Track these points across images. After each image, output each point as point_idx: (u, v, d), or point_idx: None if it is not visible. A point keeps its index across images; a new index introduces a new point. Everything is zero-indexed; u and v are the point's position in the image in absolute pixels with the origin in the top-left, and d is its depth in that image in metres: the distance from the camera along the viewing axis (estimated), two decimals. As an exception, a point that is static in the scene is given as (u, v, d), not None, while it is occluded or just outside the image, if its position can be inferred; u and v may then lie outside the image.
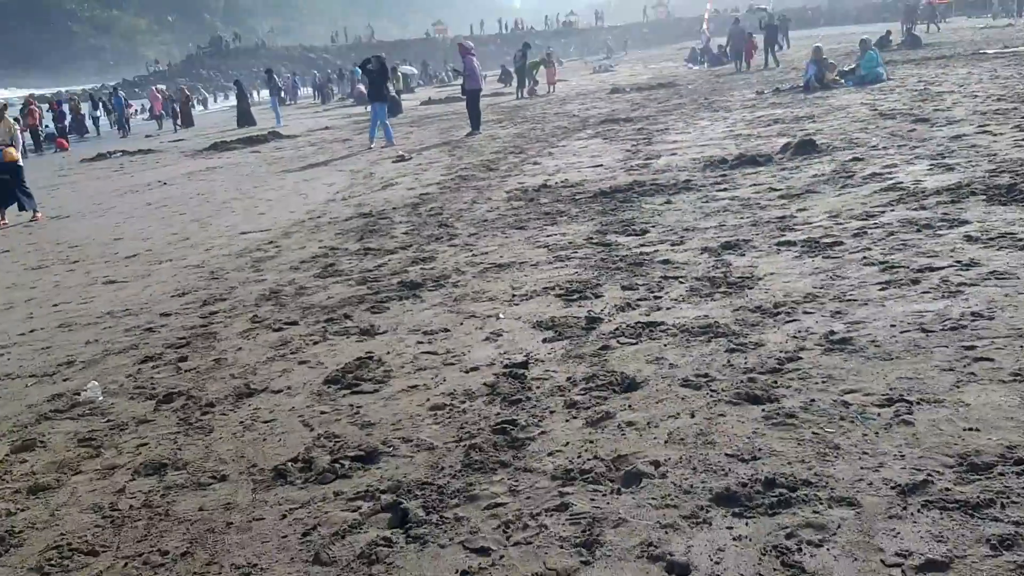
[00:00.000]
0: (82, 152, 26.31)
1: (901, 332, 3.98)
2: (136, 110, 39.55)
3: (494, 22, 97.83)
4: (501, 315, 5.15)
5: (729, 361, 3.92)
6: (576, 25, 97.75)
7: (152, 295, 6.98)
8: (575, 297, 5.29)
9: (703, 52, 38.14)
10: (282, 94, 49.78)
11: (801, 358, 3.84)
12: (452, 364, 4.42)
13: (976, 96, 12.71)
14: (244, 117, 30.38)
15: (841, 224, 6.23)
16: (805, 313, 4.44)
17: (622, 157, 11.58)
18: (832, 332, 4.09)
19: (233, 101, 35.74)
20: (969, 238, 5.36)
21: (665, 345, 4.26)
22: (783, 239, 6.03)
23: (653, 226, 7.09)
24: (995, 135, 9.05)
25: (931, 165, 7.91)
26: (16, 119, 30.35)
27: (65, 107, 35.14)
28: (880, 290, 4.65)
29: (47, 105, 34.67)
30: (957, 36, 34.40)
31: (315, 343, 5.13)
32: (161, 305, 6.58)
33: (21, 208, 12.39)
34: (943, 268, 4.85)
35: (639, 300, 5.08)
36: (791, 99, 16.63)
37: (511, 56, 37.59)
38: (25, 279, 8.34)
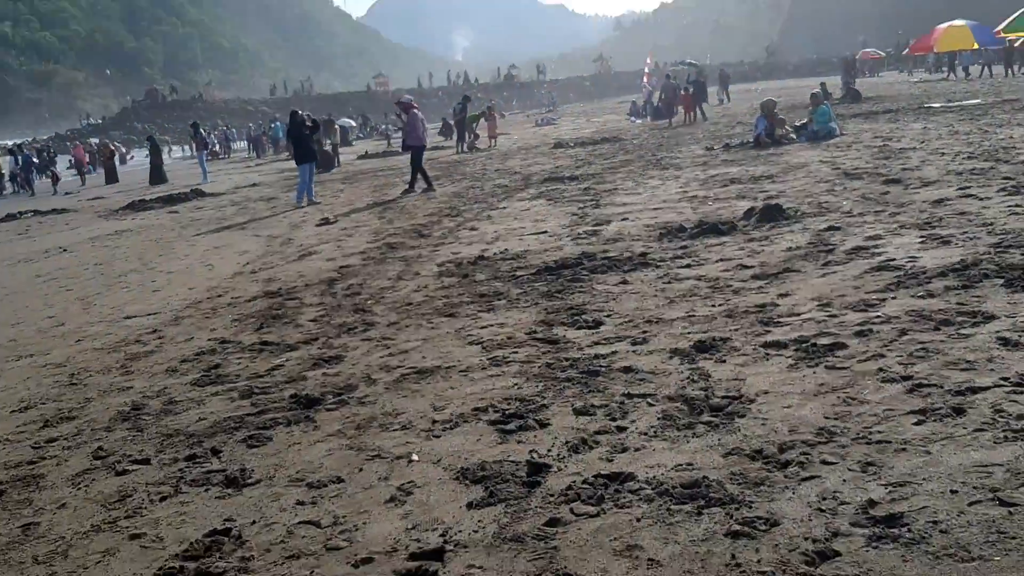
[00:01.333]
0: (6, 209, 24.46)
1: (970, 504, 2.81)
2: (41, 172, 37.22)
3: (441, 75, 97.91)
4: (415, 456, 3.86)
5: (734, 557, 2.69)
6: (518, 78, 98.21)
7: (-17, 410, 5.53)
8: (513, 427, 4.03)
9: (645, 105, 37.92)
10: (216, 147, 48.41)
11: (839, 554, 2.63)
12: (338, 549, 3.11)
13: (943, 153, 11.97)
14: (156, 174, 28.83)
15: (836, 317, 5.12)
16: (824, 463, 3.25)
17: (568, 222, 10.47)
18: (872, 503, 2.90)
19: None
20: (1004, 341, 4.27)
21: (638, 521, 3.02)
22: (769, 338, 4.88)
23: (608, 315, 5.90)
24: (982, 200, 8.16)
25: (922, 237, 6.92)
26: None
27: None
28: (916, 423, 3.50)
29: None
30: (894, 90, 34.65)
31: (162, 498, 3.76)
32: (-12, 427, 5.14)
33: None
34: (988, 388, 3.73)
35: (597, 433, 3.84)
36: (743, 156, 15.84)
37: (451, 109, 36.85)
38: None
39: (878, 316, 4.99)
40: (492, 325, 6.04)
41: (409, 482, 3.60)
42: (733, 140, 19.12)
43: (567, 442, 3.78)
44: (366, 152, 32.86)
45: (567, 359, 5.00)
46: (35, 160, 34.48)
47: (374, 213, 14.10)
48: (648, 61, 61.12)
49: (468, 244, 9.83)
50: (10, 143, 49.09)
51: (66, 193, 30.36)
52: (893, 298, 5.35)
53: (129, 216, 18.83)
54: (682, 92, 31.76)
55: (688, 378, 4.39)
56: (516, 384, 4.67)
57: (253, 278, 9.36)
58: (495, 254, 8.90)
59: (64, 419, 5.09)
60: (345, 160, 30.42)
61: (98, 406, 5.28)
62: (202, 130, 31.78)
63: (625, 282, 6.85)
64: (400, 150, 22.86)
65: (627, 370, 4.66)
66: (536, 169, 18.39)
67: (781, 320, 5.20)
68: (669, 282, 6.67)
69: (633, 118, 38.40)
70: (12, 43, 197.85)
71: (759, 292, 5.97)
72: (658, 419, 3.91)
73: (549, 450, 3.73)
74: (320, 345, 6.11)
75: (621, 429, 3.86)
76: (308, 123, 17.72)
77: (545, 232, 9.95)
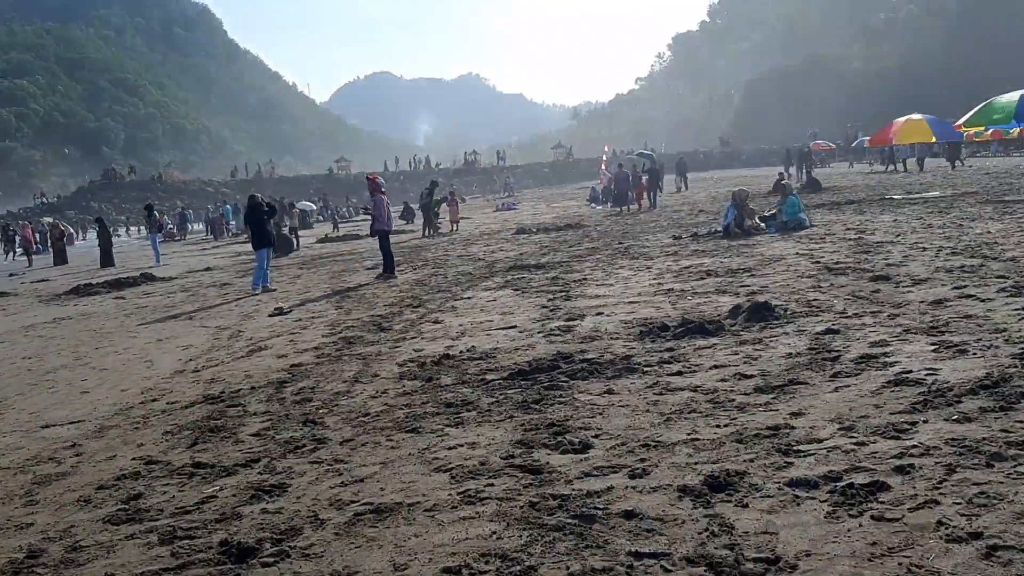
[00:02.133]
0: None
1: None
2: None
3: (400, 159, 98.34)
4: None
5: None
6: (479, 163, 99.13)
7: None
8: (495, 600, 3.22)
9: (604, 192, 37.95)
10: (171, 228, 47.42)
11: None
12: None
13: (923, 248, 11.60)
14: (105, 257, 27.92)
15: (865, 445, 4.42)
16: (910, 672, 2.49)
17: (538, 316, 9.77)
18: None
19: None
20: (1077, 482, 3.59)
21: None
22: (793, 473, 4.14)
23: (596, 435, 5.13)
24: (983, 301, 7.65)
25: (934, 344, 6.32)
26: None
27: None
28: (1009, 607, 2.77)
29: None
30: (848, 180, 35.15)
31: None
32: None
33: None
34: (1082, 552, 3.02)
35: (603, 612, 3.04)
36: (714, 246, 15.41)
37: (414, 192, 36.56)
38: None
39: (914, 446, 4.30)
40: (462, 445, 5.23)
41: None
42: (700, 229, 18.80)
43: (566, 626, 2.97)
44: (326, 235, 32.18)
45: (554, 496, 4.20)
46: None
47: (331, 302, 13.28)
48: (606, 149, 62.07)
49: (432, 340, 9.06)
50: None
51: (10, 275, 29.09)
52: (924, 421, 4.67)
53: (72, 301, 17.77)
54: (641, 178, 32.47)
55: (707, 530, 3.61)
56: (494, 532, 3.85)
57: (194, 378, 8.45)
58: (461, 352, 8.13)
59: (-63, 573, 4.13)
60: (305, 243, 29.69)
61: (-16, 552, 4.33)
62: (155, 212, 30.84)
63: (611, 391, 6.11)
64: (367, 233, 22.26)
65: (629, 515, 3.87)
66: (500, 256, 17.81)
67: (801, 449, 4.47)
68: (661, 393, 5.94)
69: (593, 204, 38.46)
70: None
71: (767, 409, 5.26)
72: (678, 592, 3.12)
73: (543, 638, 2.92)
74: (261, 468, 5.23)
75: (633, 606, 3.07)
76: (265, 207, 17.05)
77: (514, 327, 9.23)
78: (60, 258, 33.16)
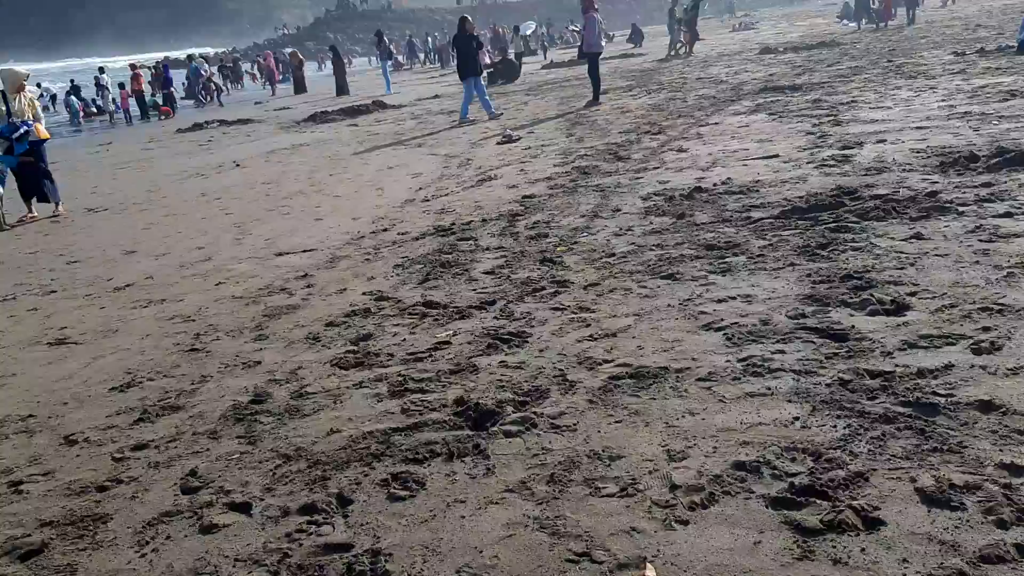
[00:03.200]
0: (189, 118, 24.81)
1: None
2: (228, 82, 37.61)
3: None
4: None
5: None
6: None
7: (79, 382, 4.44)
8: (816, 522, 2.36)
9: (857, 6, 33.05)
10: (400, 58, 48.05)
11: None
12: None
13: None
14: (340, 85, 28.45)
15: None
16: None
17: (804, 143, 8.37)
18: None
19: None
20: None
21: None
22: None
23: (912, 292, 4.00)
24: None
25: None
26: (121, 84, 29.55)
27: (171, 72, 33.77)
28: None
29: (153, 70, 33.37)
30: None
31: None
32: (73, 412, 4.04)
33: (41, 199, 10.25)
34: None
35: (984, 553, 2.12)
36: (1009, 63, 12.77)
37: (643, 14, 33.98)
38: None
39: None
40: (734, 298, 4.30)
41: (644, 632, 2.04)
42: (987, 44, 15.79)
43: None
44: (551, 61, 30.95)
45: (870, 373, 3.21)
46: (203, 72, 34.80)
47: (561, 129, 12.41)
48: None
49: (678, 170, 8.01)
50: (196, 51, 50.65)
51: (255, 103, 30.64)
52: None
53: (309, 128, 18.18)
54: None
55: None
56: (797, 418, 2.96)
57: (425, 207, 8.02)
58: (716, 185, 7.04)
59: (166, 410, 3.88)
60: (529, 70, 28.74)
61: (213, 391, 4.05)
62: (384, 39, 30.89)
63: (919, 236, 4.87)
64: (578, 57, 20.83)
65: (987, 407, 2.84)
66: (746, 78, 15.95)
67: None
68: (990, 240, 4.63)
69: (845, 21, 33.91)
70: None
71: None
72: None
73: (901, 593, 2.04)
74: (498, 313, 4.62)
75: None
76: (475, 40, 16.15)
77: (776, 156, 7.94)
78: (300, 87, 34.45)
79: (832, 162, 7.27)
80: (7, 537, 2.88)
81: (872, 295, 3.98)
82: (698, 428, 3.00)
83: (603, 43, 15.58)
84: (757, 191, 6.60)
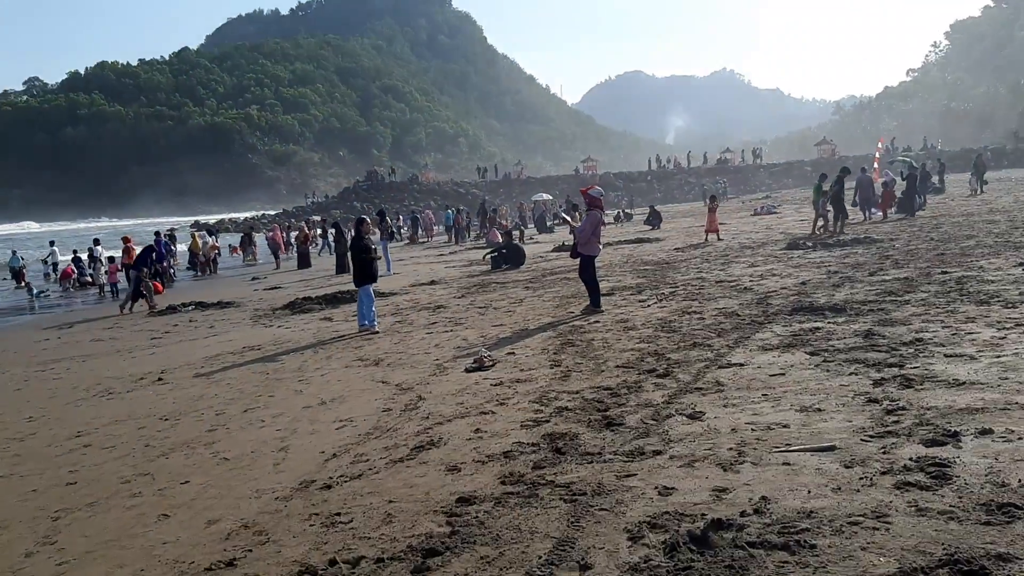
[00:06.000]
0: (179, 294, 23.11)
1: None
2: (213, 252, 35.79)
3: (651, 159, 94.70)
4: None
5: None
6: (732, 162, 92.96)
7: None
8: None
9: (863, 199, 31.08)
10: (402, 229, 47.52)
11: None
12: None
13: None
14: (340, 263, 27.23)
15: None
16: None
17: (867, 422, 5.86)
18: None
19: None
20: None
21: None
22: None
23: None
24: None
25: None
26: (111, 258, 28.08)
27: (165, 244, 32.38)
28: None
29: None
30: None
31: None
32: None
33: None
34: None
35: None
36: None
37: (648, 194, 32.72)
38: None
39: None
40: None
41: None
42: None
43: None
44: (562, 243, 29.29)
45: None
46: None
47: (547, 351, 10.02)
48: (879, 145, 54.60)
49: (687, 464, 5.47)
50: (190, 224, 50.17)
51: (252, 278, 29.13)
52: None
53: (279, 322, 16.13)
54: (885, 187, 28.84)
55: None
56: None
57: (313, 510, 5.47)
58: (745, 516, 4.47)
59: None
60: (538, 252, 27.04)
61: None
62: (387, 219, 29.64)
63: None
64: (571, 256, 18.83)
65: None
66: (774, 285, 13.69)
67: None
68: None
69: (873, 211, 32.20)
70: (258, 125, 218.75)
71: None
72: None
73: None
74: None
75: None
76: (370, 246, 14.11)
77: (834, 448, 5.42)
78: (303, 262, 33.12)
79: (922, 478, 4.72)
80: None
81: None
82: None
83: (600, 247, 13.41)
84: (812, 544, 4.00)
